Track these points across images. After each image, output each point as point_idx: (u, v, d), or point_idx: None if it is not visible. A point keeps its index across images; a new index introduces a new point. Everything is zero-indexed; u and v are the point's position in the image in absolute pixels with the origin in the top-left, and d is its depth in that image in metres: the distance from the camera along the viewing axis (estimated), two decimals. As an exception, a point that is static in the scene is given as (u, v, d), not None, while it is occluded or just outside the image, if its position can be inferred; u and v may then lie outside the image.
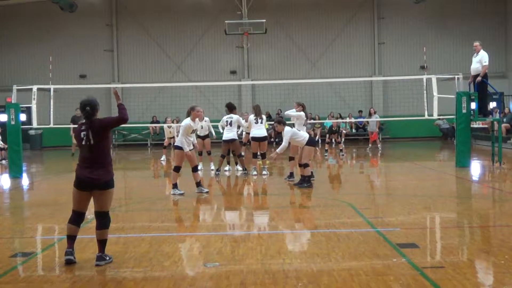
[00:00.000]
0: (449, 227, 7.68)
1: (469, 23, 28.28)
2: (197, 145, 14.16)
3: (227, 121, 13.87)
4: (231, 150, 14.17)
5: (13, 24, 28.61)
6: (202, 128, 14.36)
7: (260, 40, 28.08)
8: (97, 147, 5.78)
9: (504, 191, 11.11)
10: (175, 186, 10.79)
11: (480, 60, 14.09)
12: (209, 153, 15.18)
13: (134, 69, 29.27)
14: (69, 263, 5.79)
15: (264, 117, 14.13)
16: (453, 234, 7.10)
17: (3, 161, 18.87)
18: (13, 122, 14.49)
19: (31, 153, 24.75)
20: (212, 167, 14.88)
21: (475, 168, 14.86)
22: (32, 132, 25.92)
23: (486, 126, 20.11)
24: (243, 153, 15.06)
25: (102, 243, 5.86)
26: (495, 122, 15.18)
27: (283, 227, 7.75)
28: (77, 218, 5.92)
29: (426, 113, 16.43)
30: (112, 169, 5.97)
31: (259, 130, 13.66)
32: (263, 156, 13.98)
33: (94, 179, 5.72)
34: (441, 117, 19.35)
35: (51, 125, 16.82)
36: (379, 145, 22.12)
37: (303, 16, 28.92)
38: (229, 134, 13.79)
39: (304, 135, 11.40)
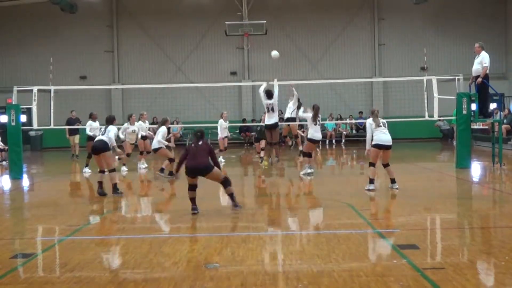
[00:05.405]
0: (450, 228, 7.67)
1: (469, 24, 28.28)
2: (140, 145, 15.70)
3: (267, 107, 13.93)
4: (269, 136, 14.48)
5: (13, 25, 28.62)
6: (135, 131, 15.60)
7: (260, 41, 28.08)
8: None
9: (505, 192, 11.09)
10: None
11: (481, 61, 14.08)
12: (148, 153, 15.77)
13: (134, 70, 29.27)
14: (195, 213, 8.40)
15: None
16: (454, 235, 7.09)
17: (4, 162, 18.88)
18: (13, 123, 14.49)
19: (31, 154, 24.75)
20: (146, 165, 15.90)
21: (476, 169, 14.84)
22: (32, 133, 25.93)
23: (486, 127, 20.10)
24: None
25: (231, 195, 8.74)
26: (495, 123, 15.17)
27: (283, 228, 7.74)
28: (193, 188, 8.62)
29: (426, 114, 16.42)
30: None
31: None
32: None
33: (198, 164, 8.49)
34: (441, 118, 19.33)
35: (52, 126, 16.81)
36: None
37: (303, 17, 28.91)
38: (271, 119, 13.97)
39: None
